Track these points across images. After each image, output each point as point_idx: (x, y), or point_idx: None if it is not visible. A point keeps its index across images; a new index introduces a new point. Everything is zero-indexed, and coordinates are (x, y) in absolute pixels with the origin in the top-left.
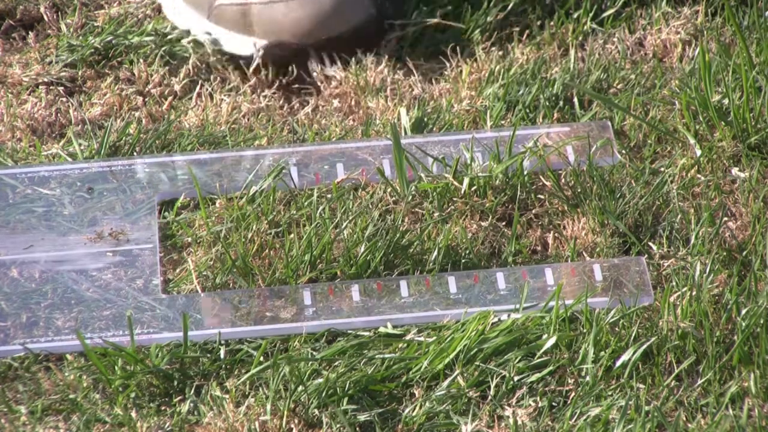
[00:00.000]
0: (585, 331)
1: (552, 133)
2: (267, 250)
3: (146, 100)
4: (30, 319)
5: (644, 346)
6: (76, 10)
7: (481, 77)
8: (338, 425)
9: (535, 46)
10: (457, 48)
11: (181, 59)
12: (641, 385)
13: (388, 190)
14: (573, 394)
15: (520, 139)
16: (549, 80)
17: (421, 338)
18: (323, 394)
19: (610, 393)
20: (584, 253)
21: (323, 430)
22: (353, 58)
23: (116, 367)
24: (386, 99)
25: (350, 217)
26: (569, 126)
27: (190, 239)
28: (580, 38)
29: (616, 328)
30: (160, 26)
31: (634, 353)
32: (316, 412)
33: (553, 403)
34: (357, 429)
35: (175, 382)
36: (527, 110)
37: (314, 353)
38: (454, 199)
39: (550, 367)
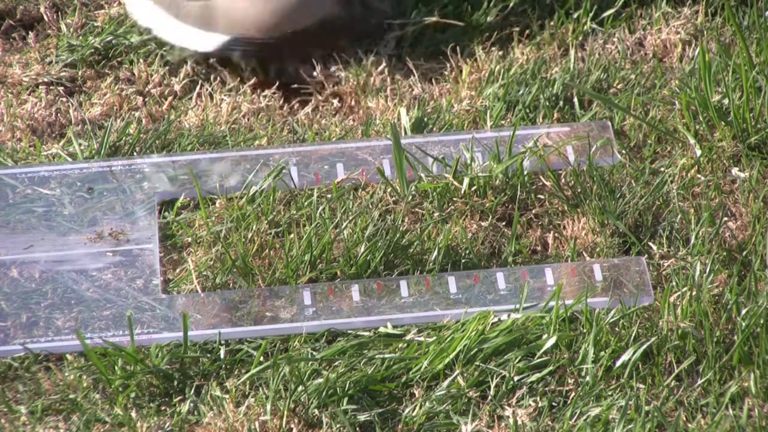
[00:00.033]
0: (585, 331)
1: (552, 133)
2: (267, 250)
3: (146, 100)
4: (30, 319)
5: (644, 346)
6: (76, 10)
7: (481, 77)
8: (338, 425)
9: (535, 46)
10: (457, 48)
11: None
12: (641, 385)
13: (388, 190)
14: (573, 394)
15: (520, 139)
16: (549, 80)
17: (421, 338)
18: (323, 394)
19: (610, 393)
20: (584, 253)
21: (323, 430)
22: (353, 58)
23: (116, 367)
24: (386, 99)
25: (350, 217)
26: (569, 126)
27: (190, 239)
28: (580, 38)
29: (616, 328)
30: None
31: (634, 353)
32: (316, 412)
33: (553, 403)
34: (357, 429)
35: (175, 382)
36: (527, 110)
37: (314, 353)
38: (454, 199)
39: (550, 367)
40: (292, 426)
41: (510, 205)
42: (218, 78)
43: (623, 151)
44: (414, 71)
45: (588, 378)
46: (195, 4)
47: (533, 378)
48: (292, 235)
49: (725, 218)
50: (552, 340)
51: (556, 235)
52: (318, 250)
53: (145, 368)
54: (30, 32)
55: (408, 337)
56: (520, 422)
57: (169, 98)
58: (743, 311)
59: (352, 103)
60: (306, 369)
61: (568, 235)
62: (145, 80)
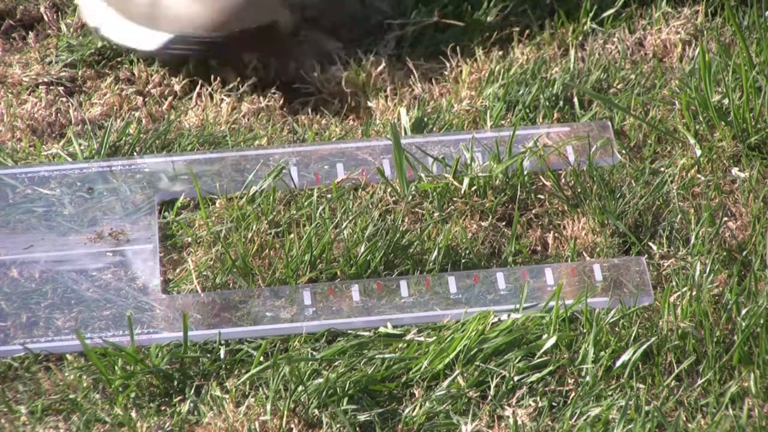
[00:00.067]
0: (585, 331)
1: (552, 133)
2: (267, 250)
3: (146, 100)
4: (30, 319)
5: (644, 346)
6: (76, 10)
7: (481, 77)
8: (338, 425)
9: (535, 46)
10: (457, 48)
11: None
12: (641, 385)
13: (388, 190)
14: (573, 394)
15: (520, 139)
16: (549, 80)
17: (421, 338)
18: (323, 394)
19: (610, 393)
20: (584, 253)
21: (323, 430)
22: (353, 59)
23: (116, 367)
24: (386, 99)
25: (350, 217)
26: (569, 126)
27: (190, 239)
28: (580, 38)
29: (616, 328)
30: None
31: (634, 353)
32: (316, 412)
33: (553, 403)
34: (357, 429)
35: (175, 382)
36: (527, 110)
37: (314, 353)
38: (454, 199)
39: (550, 367)
40: (292, 426)
41: (510, 205)
42: (218, 78)
43: (623, 151)
44: (414, 71)
45: (588, 378)
46: (144, 3)
47: (533, 378)
48: (292, 235)
49: (725, 218)
50: (552, 340)
51: (556, 235)
52: (318, 250)
53: (145, 368)
54: (30, 32)
55: (408, 337)
56: (520, 422)
57: (169, 98)
58: (743, 311)
59: (352, 103)
60: (306, 369)
61: (568, 235)
62: (145, 80)
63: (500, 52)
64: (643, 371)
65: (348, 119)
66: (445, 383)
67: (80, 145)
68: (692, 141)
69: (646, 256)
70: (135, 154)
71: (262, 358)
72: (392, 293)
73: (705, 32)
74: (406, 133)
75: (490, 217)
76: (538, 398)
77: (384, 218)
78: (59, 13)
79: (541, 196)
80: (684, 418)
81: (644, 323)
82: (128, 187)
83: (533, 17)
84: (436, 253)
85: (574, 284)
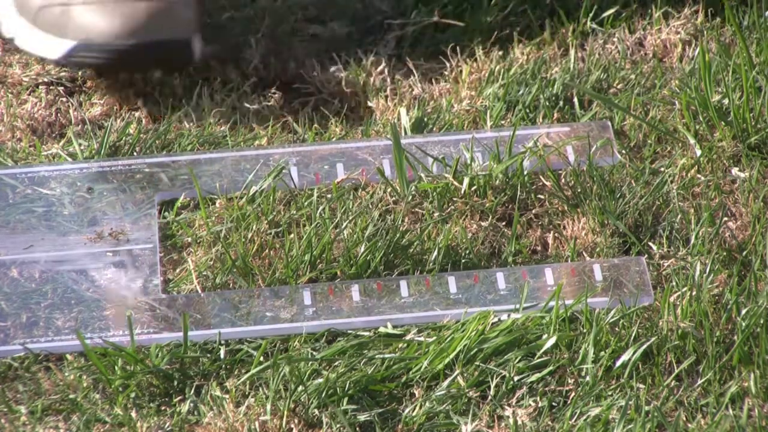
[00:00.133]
0: (585, 331)
1: (552, 133)
2: (267, 250)
3: (146, 100)
4: (30, 319)
5: (644, 346)
6: None
7: (481, 77)
8: (338, 425)
9: (535, 46)
10: (457, 48)
11: None
12: (641, 385)
13: (388, 190)
14: (573, 394)
15: (520, 139)
16: (549, 80)
17: (421, 338)
18: (323, 394)
19: (610, 393)
20: (584, 253)
21: (323, 430)
22: (353, 59)
23: (116, 367)
24: (386, 99)
25: (350, 217)
26: (569, 126)
27: (190, 239)
28: (580, 38)
29: (616, 328)
30: None
31: (634, 353)
32: (316, 412)
33: (553, 403)
34: (357, 429)
35: (175, 382)
36: (527, 110)
37: (314, 353)
38: (454, 199)
39: (550, 367)
40: (292, 426)
41: (510, 205)
42: (218, 78)
43: (623, 151)
44: (414, 71)
45: (588, 378)
46: (55, 11)
47: (533, 378)
48: (292, 235)
49: (725, 218)
50: (552, 340)
51: (556, 235)
52: (318, 250)
53: (145, 368)
54: None
55: (408, 337)
56: (520, 422)
57: (169, 98)
58: (743, 311)
59: (353, 103)
60: (306, 369)
61: (568, 235)
62: (145, 80)
63: (500, 52)
64: (643, 371)
65: (348, 119)
66: (445, 383)
67: (80, 145)
68: (692, 141)
69: (646, 256)
70: (135, 154)
71: (262, 358)
72: (392, 293)
73: (705, 32)
74: (406, 133)
75: (490, 217)
76: (538, 398)
77: (384, 218)
78: None
79: (541, 196)
80: (684, 418)
81: (644, 323)
82: (128, 187)
83: (533, 17)
84: (436, 253)
85: (574, 284)
